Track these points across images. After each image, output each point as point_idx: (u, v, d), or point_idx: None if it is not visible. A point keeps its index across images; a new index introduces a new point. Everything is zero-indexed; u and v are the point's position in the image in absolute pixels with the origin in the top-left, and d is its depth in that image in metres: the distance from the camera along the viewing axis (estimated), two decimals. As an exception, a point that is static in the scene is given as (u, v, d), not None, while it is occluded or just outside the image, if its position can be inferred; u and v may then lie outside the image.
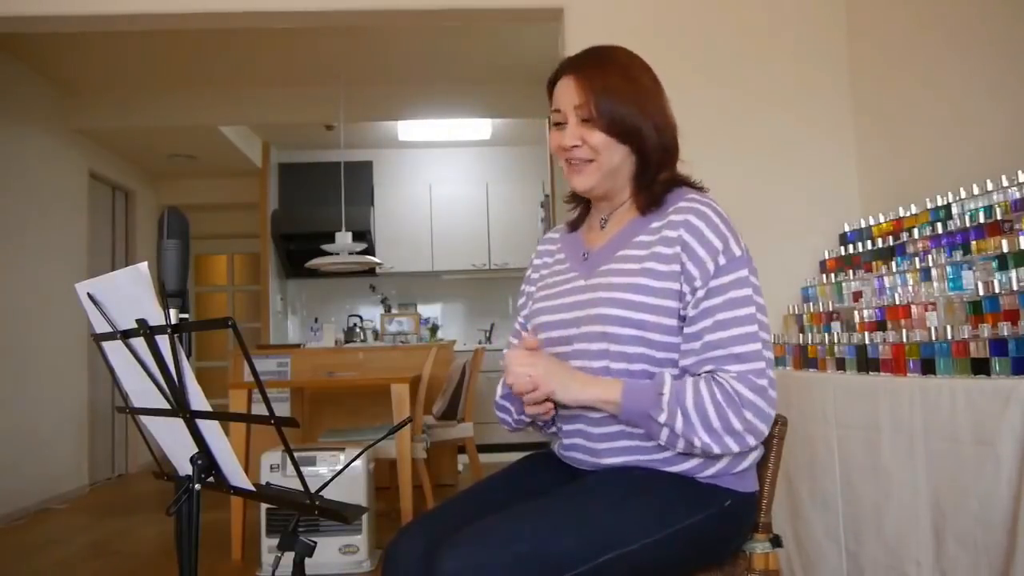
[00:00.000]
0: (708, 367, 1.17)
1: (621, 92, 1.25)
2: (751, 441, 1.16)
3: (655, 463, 1.21)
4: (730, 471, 1.22)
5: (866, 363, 1.97)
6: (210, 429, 0.95)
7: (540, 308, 1.37)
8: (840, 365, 2.09)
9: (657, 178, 1.29)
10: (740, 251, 1.21)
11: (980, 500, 1.49)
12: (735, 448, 1.15)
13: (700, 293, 1.19)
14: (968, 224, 1.94)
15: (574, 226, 1.44)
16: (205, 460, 0.95)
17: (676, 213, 1.23)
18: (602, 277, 1.27)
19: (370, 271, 6.39)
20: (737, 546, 1.28)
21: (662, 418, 1.14)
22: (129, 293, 0.91)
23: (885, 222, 2.41)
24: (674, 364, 1.22)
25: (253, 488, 0.97)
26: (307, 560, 1.07)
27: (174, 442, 1.02)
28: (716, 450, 1.15)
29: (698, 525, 1.17)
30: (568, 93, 1.28)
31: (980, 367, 1.61)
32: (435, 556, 1.07)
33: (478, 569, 1.02)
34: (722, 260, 1.19)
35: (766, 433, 1.17)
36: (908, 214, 2.29)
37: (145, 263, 0.87)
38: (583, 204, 1.43)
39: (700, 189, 1.31)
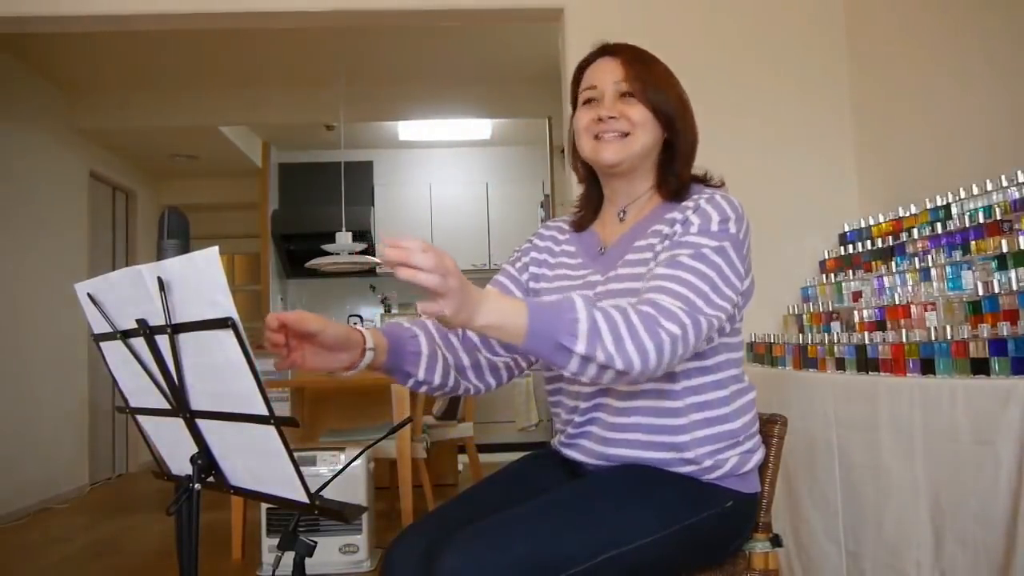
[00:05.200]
0: (646, 294, 1.11)
1: (665, 85, 1.30)
2: (652, 360, 1.03)
3: (661, 462, 1.21)
4: (735, 472, 1.21)
5: (866, 363, 1.97)
6: (210, 429, 0.95)
7: None
8: (840, 365, 2.09)
9: (680, 171, 1.31)
10: (736, 231, 1.20)
11: (980, 499, 1.49)
12: (637, 365, 1.02)
13: (675, 242, 1.19)
14: (968, 224, 1.94)
15: (580, 226, 1.42)
16: (205, 460, 0.95)
17: (690, 201, 1.25)
18: (620, 268, 1.26)
19: (370, 271, 6.38)
20: (737, 547, 1.28)
21: (579, 348, 1.01)
22: (130, 293, 0.91)
23: (885, 222, 2.41)
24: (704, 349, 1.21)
25: (253, 488, 0.97)
26: (307, 560, 1.07)
27: (174, 442, 1.03)
28: (619, 365, 1.02)
29: (698, 525, 1.16)
30: (610, 69, 1.29)
31: (980, 367, 1.61)
32: (434, 557, 1.07)
33: (477, 569, 1.02)
34: (715, 227, 1.19)
35: (657, 365, 1.04)
36: (908, 214, 2.29)
37: (216, 247, 0.85)
38: (590, 208, 1.41)
39: (717, 186, 1.34)
